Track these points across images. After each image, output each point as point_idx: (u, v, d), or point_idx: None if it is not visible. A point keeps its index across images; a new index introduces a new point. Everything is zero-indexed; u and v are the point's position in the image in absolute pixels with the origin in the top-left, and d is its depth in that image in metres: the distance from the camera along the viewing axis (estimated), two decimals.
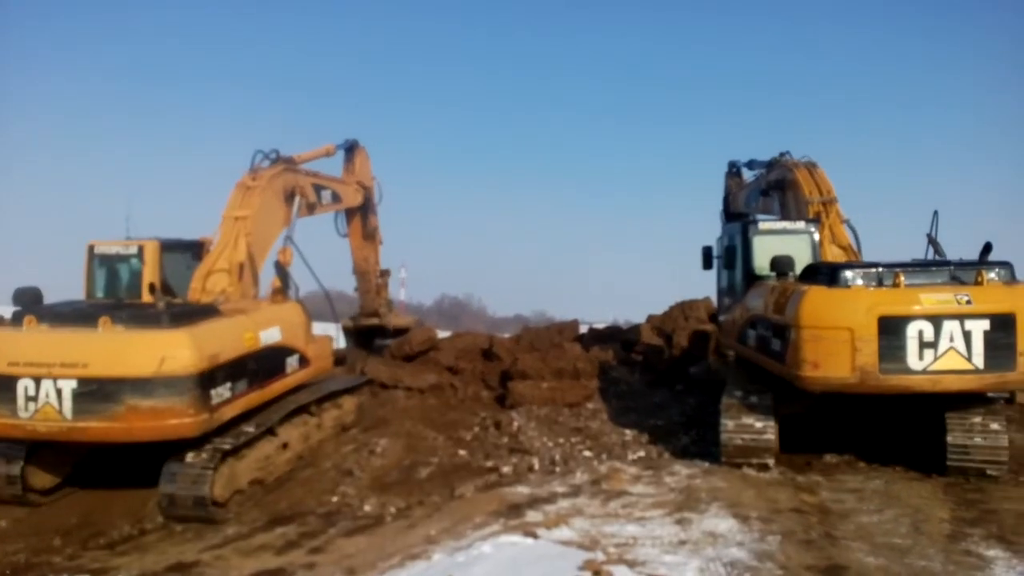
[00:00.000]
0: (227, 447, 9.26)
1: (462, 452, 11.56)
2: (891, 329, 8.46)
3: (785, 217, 13.02)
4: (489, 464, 10.77)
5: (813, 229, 11.51)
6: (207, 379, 8.80)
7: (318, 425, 11.80)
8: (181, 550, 8.19)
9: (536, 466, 10.50)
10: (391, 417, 13.52)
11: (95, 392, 8.35)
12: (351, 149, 16.61)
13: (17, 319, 9.09)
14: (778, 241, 11.37)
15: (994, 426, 8.90)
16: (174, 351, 8.52)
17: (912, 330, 8.45)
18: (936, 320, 8.43)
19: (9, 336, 8.89)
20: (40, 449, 9.47)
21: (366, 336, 18.30)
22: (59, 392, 8.39)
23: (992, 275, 8.77)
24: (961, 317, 8.40)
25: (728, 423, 9.66)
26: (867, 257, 11.60)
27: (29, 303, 9.58)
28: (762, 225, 11.83)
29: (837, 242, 11.79)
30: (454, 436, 12.46)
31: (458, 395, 15.31)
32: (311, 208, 13.92)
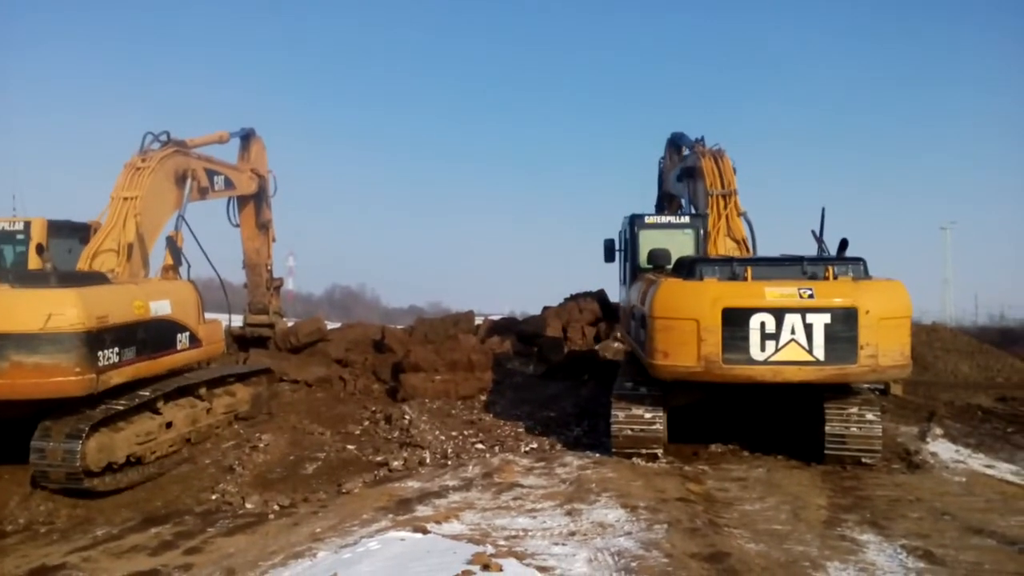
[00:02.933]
0: (101, 412, 9.20)
1: (350, 447, 11.28)
2: (735, 320, 8.75)
3: (695, 205, 13.30)
4: (379, 459, 10.55)
5: (699, 224, 11.81)
6: (94, 339, 8.83)
7: (207, 410, 11.53)
8: (45, 552, 7.67)
9: (427, 460, 10.34)
10: (276, 411, 13.09)
11: None
12: (247, 138, 16.28)
13: None
14: (663, 235, 11.67)
15: (869, 416, 9.26)
16: (61, 308, 8.58)
17: (755, 322, 8.72)
18: (778, 313, 8.72)
19: None
20: None
21: (253, 343, 17.55)
22: None
23: (843, 271, 9.15)
24: (803, 311, 8.71)
25: (619, 414, 9.74)
26: (763, 251, 11.96)
27: None
28: (648, 219, 12.16)
29: (732, 235, 12.07)
30: (342, 430, 12.16)
31: (347, 388, 14.97)
32: (203, 192, 13.65)
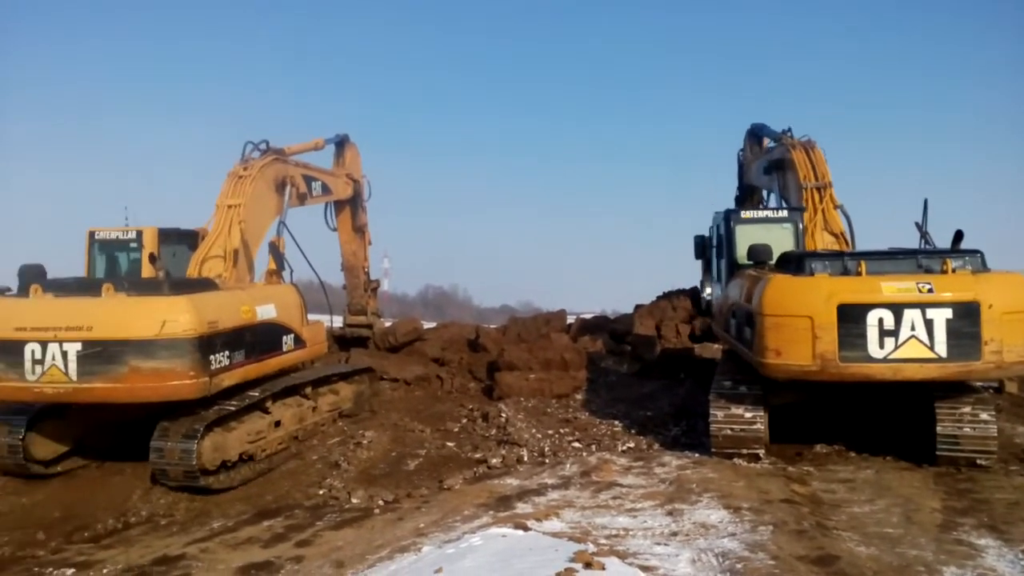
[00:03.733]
0: (214, 413, 9.59)
1: (450, 444, 11.47)
2: (851, 317, 8.45)
3: (785, 199, 13.01)
4: (477, 456, 10.70)
5: (797, 218, 11.49)
6: (206, 344, 9.18)
7: (313, 408, 11.94)
8: (166, 543, 8.06)
9: (525, 457, 10.42)
10: (377, 408, 13.42)
11: (99, 354, 8.73)
12: (342, 144, 16.78)
13: (23, 291, 9.44)
14: (760, 230, 11.37)
15: (984, 416, 8.86)
16: (175, 315, 8.93)
17: (872, 318, 8.41)
18: (897, 308, 8.39)
19: (15, 303, 9.25)
20: (41, 420, 9.82)
21: (353, 343, 18.06)
22: (64, 355, 8.78)
23: (960, 264, 8.76)
24: (923, 306, 8.36)
25: (718, 414, 9.60)
26: (861, 245, 11.58)
27: (34, 278, 9.85)
28: (744, 214, 11.94)
29: (830, 229, 11.74)
30: (441, 428, 12.37)
31: (445, 387, 15.21)
32: (302, 198, 14.12)
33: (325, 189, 15.36)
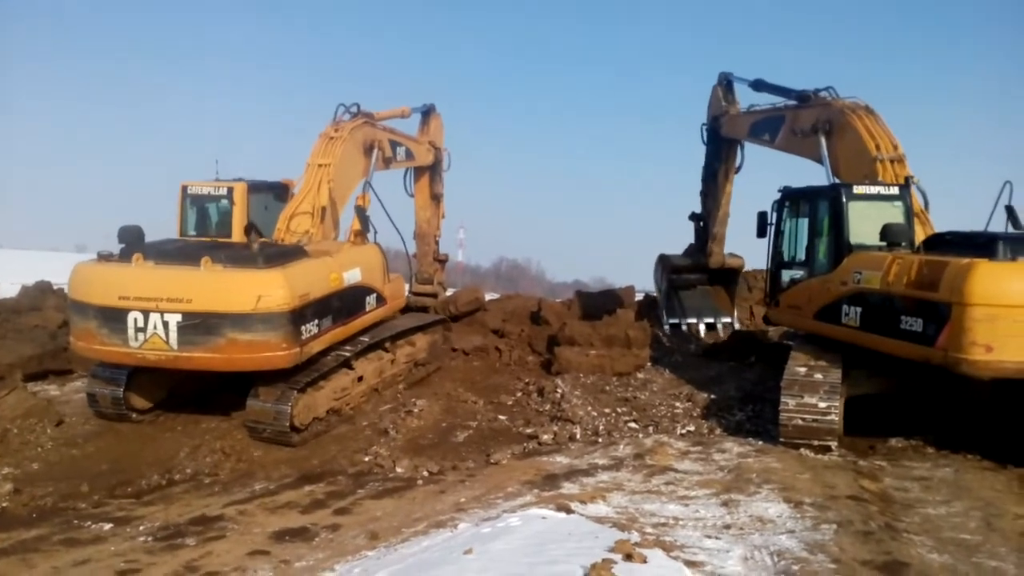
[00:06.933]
0: (305, 376, 9.89)
1: (502, 417, 11.20)
2: None
3: (833, 168, 11.93)
4: (528, 431, 10.42)
5: (906, 194, 10.49)
6: (298, 316, 9.41)
7: (392, 360, 12.27)
8: (207, 503, 8.02)
9: (577, 435, 10.08)
10: (432, 377, 13.22)
11: (198, 325, 8.99)
12: (427, 113, 17.25)
13: (125, 256, 9.68)
14: (872, 207, 10.35)
15: None
16: (270, 290, 9.14)
17: None
18: None
19: (118, 271, 9.45)
20: (139, 375, 10.20)
21: (415, 311, 17.95)
22: (165, 324, 9.01)
23: None
24: None
25: (789, 401, 9.00)
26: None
27: (133, 241, 10.13)
28: (857, 189, 10.63)
29: None
30: (495, 400, 12.11)
31: (503, 359, 14.89)
32: (387, 162, 14.54)
33: (408, 155, 15.71)
